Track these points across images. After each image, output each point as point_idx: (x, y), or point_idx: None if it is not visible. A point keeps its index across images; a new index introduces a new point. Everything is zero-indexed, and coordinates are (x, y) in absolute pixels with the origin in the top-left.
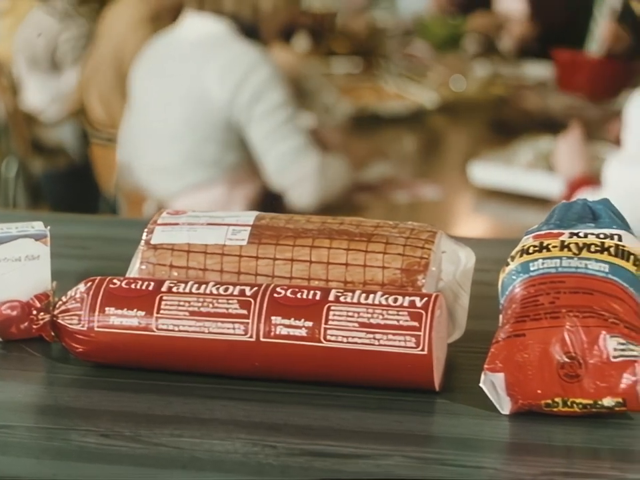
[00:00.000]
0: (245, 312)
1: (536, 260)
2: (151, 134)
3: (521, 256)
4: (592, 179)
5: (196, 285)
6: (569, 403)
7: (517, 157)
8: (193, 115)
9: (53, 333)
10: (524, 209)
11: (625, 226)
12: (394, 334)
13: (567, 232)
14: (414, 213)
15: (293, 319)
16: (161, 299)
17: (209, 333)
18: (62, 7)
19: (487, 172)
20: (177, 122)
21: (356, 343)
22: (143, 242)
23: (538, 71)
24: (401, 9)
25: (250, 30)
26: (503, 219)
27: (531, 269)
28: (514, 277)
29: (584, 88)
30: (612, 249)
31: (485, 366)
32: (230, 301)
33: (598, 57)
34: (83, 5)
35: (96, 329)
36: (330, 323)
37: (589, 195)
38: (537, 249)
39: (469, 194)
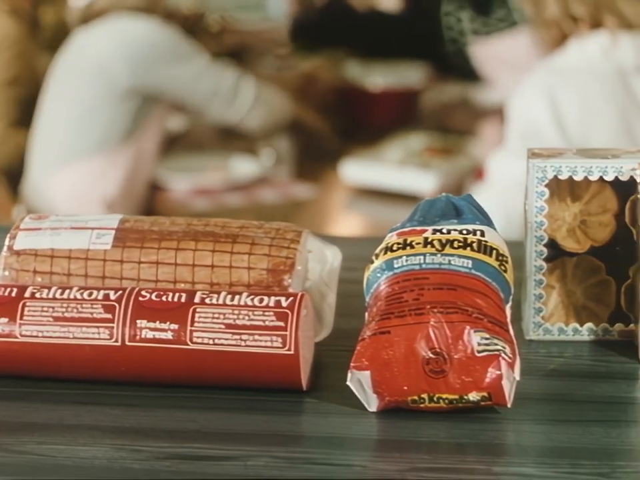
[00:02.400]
0: (109, 316)
1: (400, 257)
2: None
3: (385, 253)
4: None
5: (60, 290)
6: (435, 399)
7: (387, 154)
8: (87, 86)
9: None
10: (395, 206)
11: (488, 221)
12: (260, 334)
13: (430, 228)
14: (286, 212)
15: (158, 322)
16: (24, 305)
17: (74, 338)
18: None
19: (358, 170)
20: (68, 93)
21: (222, 344)
22: (5, 248)
23: (407, 69)
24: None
25: None
26: (374, 216)
27: (395, 266)
28: (379, 275)
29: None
30: (475, 245)
31: (351, 364)
32: (94, 306)
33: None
34: None
35: None
36: (196, 325)
37: (478, 186)
38: (400, 246)
39: (341, 193)
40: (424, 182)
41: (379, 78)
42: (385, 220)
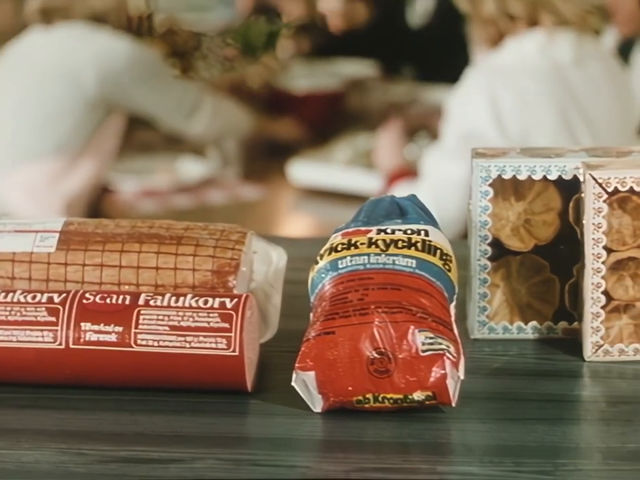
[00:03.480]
0: (53, 319)
1: (344, 257)
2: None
3: (330, 254)
4: (409, 172)
5: (3, 294)
6: (379, 399)
7: (335, 155)
8: (53, 90)
9: None
10: (343, 206)
11: (432, 221)
12: (205, 336)
13: (374, 229)
14: (234, 214)
15: (102, 325)
16: None
17: (18, 341)
18: None
19: (306, 171)
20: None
21: (167, 346)
22: None
23: (356, 68)
24: (220, 12)
25: None
26: (322, 217)
27: (340, 266)
28: (323, 275)
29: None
30: (419, 244)
31: (296, 365)
32: (38, 309)
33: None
34: None
35: None
36: (140, 327)
37: (406, 187)
38: (345, 246)
39: (289, 193)
40: (371, 182)
41: (303, 81)
42: (333, 220)
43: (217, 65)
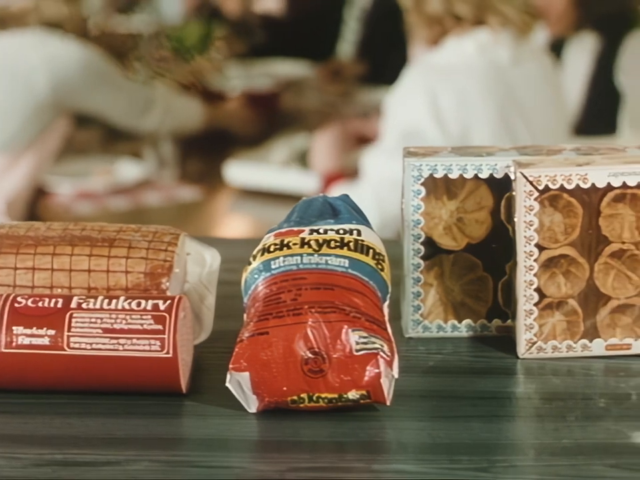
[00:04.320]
0: None
1: (277, 258)
2: None
3: (263, 254)
4: (345, 174)
5: None
6: (314, 398)
7: (271, 155)
8: (5, 94)
9: None
10: (281, 207)
11: (364, 220)
12: (138, 338)
13: (307, 229)
14: (171, 215)
15: (34, 328)
16: None
17: None
18: None
19: (242, 172)
20: None
21: (100, 349)
22: None
23: (292, 69)
24: (162, 13)
25: None
26: (260, 217)
27: (273, 267)
28: (256, 276)
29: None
30: (351, 244)
31: (230, 365)
32: None
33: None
34: None
35: None
36: (73, 330)
37: (344, 188)
38: (277, 247)
39: (226, 194)
40: (308, 182)
41: (237, 82)
42: (270, 221)
43: (153, 65)
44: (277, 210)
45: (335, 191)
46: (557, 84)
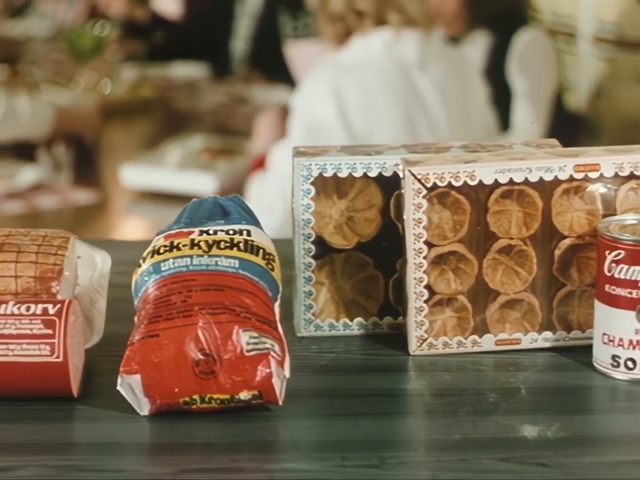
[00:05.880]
0: None
1: (167, 260)
2: None
3: (152, 256)
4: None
5: None
6: (206, 399)
7: (166, 157)
8: None
9: None
10: (177, 208)
11: (254, 221)
12: (28, 343)
13: (197, 230)
14: (66, 219)
15: None
16: None
17: None
18: None
19: (138, 174)
20: None
21: None
22: None
23: (186, 70)
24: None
25: None
26: (156, 219)
27: (163, 269)
28: (146, 278)
29: None
30: (241, 245)
31: (121, 369)
32: None
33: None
34: None
35: None
36: None
37: (257, 179)
38: (167, 248)
39: (123, 197)
40: (204, 183)
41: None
42: (167, 222)
43: (48, 69)
44: (173, 211)
45: (252, 180)
46: (465, 84)
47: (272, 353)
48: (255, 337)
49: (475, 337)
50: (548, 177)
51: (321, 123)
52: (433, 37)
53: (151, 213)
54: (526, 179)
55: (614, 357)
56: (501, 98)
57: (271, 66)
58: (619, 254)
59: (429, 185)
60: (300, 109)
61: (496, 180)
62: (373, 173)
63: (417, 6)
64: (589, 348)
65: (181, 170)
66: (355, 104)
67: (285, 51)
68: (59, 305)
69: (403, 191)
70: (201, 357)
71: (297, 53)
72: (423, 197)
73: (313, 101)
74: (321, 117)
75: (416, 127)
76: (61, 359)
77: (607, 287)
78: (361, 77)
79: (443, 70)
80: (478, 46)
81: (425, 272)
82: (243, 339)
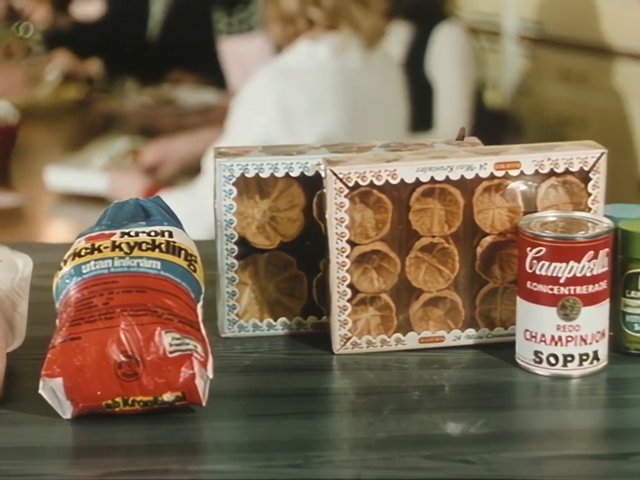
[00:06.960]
0: None
1: (88, 262)
2: None
3: (74, 259)
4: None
5: None
6: (129, 402)
7: (91, 159)
8: None
9: None
10: (102, 211)
11: (176, 222)
12: None
13: (118, 232)
14: None
15: None
16: None
17: None
18: None
19: (62, 177)
20: None
21: None
22: None
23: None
24: None
25: None
26: (81, 222)
27: (84, 271)
28: (67, 281)
29: None
30: (163, 246)
31: (43, 372)
32: None
33: None
34: None
35: None
36: None
37: (179, 192)
38: (88, 251)
39: (47, 199)
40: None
41: None
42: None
43: None
44: (99, 214)
45: (169, 196)
46: (398, 88)
47: (195, 354)
48: (178, 338)
49: (399, 335)
50: (469, 175)
51: (262, 125)
52: (378, 43)
53: (76, 215)
54: (447, 177)
55: (536, 352)
56: (422, 92)
57: (201, 65)
58: (540, 251)
59: (350, 184)
60: (241, 112)
61: (417, 179)
62: (295, 173)
63: (370, 21)
64: (511, 344)
65: (105, 172)
66: (299, 108)
67: (218, 47)
68: None
69: (325, 190)
70: (123, 359)
71: (231, 49)
72: (345, 196)
73: (256, 103)
74: (264, 122)
75: (362, 132)
76: None
77: (528, 283)
78: (306, 81)
79: (386, 73)
80: (397, 38)
81: (347, 271)
82: (166, 340)
